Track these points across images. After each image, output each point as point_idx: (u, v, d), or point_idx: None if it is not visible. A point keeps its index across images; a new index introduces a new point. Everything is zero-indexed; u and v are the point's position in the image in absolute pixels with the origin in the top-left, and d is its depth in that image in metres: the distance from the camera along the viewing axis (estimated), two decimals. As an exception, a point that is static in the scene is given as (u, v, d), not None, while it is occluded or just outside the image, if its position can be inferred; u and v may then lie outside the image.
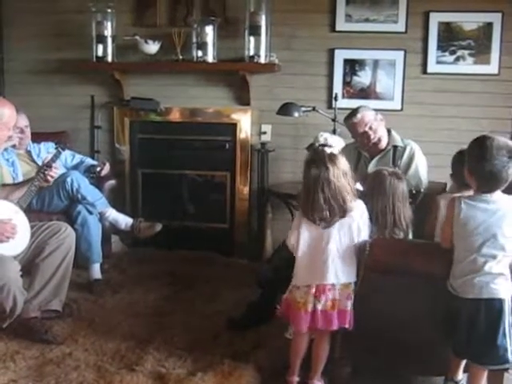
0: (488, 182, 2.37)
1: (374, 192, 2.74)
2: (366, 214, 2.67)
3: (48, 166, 3.44)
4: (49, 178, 3.44)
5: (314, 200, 2.60)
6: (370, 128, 3.55)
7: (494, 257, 2.36)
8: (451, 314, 2.46)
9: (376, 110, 3.72)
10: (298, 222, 2.71)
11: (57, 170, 3.52)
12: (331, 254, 2.60)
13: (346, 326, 2.60)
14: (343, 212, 2.60)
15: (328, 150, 2.68)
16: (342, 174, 2.61)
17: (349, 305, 2.60)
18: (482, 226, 2.37)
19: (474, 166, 2.39)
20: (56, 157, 3.55)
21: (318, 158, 2.64)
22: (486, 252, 2.37)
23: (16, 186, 3.54)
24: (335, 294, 2.60)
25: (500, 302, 2.38)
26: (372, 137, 3.55)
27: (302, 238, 2.67)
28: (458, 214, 2.41)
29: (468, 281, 2.39)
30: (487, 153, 2.32)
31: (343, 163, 2.65)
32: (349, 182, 2.63)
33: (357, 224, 2.63)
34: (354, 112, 3.64)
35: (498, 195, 2.40)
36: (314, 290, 2.62)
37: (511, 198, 2.42)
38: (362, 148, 3.69)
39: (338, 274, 2.60)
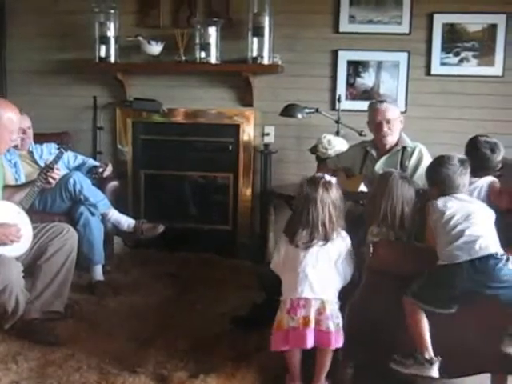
0: (447, 185, 2.62)
1: (384, 193, 2.72)
2: (348, 247, 2.69)
3: (50, 167, 3.44)
4: (50, 179, 3.43)
5: (301, 218, 2.64)
6: (388, 122, 3.52)
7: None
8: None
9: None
10: (279, 247, 2.77)
11: (59, 172, 3.51)
12: (306, 269, 2.60)
13: (332, 348, 2.58)
14: (323, 239, 2.63)
15: (327, 178, 2.70)
16: (330, 202, 2.65)
17: (330, 326, 2.55)
18: (457, 215, 2.52)
19: (434, 176, 2.71)
20: (58, 158, 3.55)
21: (313, 180, 2.70)
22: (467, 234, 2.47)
23: (18, 187, 3.54)
24: (309, 310, 2.56)
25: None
26: (384, 130, 3.51)
27: (281, 257, 2.72)
28: (432, 215, 2.58)
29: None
30: (442, 161, 2.67)
31: (336, 194, 2.68)
32: (336, 213, 2.66)
33: (338, 251, 2.65)
34: (382, 100, 3.68)
35: (464, 196, 2.63)
36: (288, 306, 2.61)
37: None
38: (368, 145, 3.68)
39: (314, 288, 2.58)
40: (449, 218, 2.52)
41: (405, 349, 2.56)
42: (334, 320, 2.58)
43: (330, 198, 2.65)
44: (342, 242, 2.67)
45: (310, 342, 2.55)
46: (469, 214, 2.52)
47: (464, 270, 2.41)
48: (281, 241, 2.76)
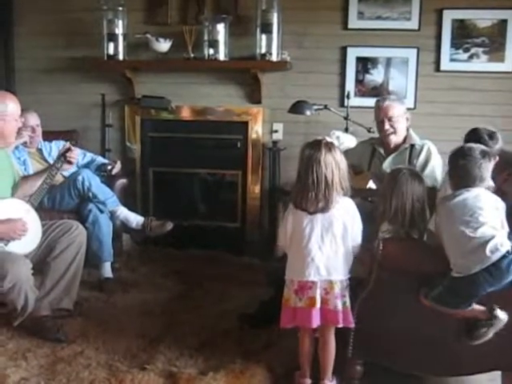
0: (463, 177, 2.54)
1: (394, 190, 2.70)
2: (354, 212, 2.64)
3: (68, 149, 3.47)
4: (72, 160, 3.48)
5: (305, 182, 2.58)
6: (390, 120, 3.51)
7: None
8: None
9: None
10: (285, 217, 2.71)
11: (77, 152, 3.57)
12: (312, 251, 2.58)
13: (340, 325, 2.59)
14: (326, 203, 2.57)
15: (329, 139, 2.66)
16: (334, 163, 2.58)
17: (338, 304, 2.57)
18: (463, 211, 2.47)
19: (451, 167, 2.62)
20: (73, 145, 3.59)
21: (315, 143, 2.64)
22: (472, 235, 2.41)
23: (37, 174, 3.56)
24: (315, 292, 2.57)
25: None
26: (386, 127, 3.51)
27: (288, 231, 2.67)
28: (439, 214, 2.57)
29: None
30: (461, 152, 2.57)
31: (339, 155, 2.62)
32: (340, 175, 2.59)
33: (342, 223, 2.60)
34: (386, 97, 3.68)
35: (476, 191, 2.52)
36: (295, 287, 2.62)
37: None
38: (376, 142, 3.67)
39: (321, 271, 2.58)
40: (454, 222, 2.47)
41: (416, 346, 2.57)
42: (342, 299, 2.59)
43: (334, 158, 2.58)
44: (345, 213, 2.61)
45: (315, 322, 2.58)
46: (474, 211, 2.45)
47: (481, 278, 2.38)
48: (287, 211, 2.71)
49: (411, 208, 2.66)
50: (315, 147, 2.60)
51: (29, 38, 4.90)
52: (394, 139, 3.54)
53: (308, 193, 2.57)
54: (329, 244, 2.59)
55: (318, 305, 2.57)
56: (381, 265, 2.58)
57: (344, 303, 2.59)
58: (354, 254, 2.64)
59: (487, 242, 2.36)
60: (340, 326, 2.59)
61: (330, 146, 2.60)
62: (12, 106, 3.12)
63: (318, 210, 2.58)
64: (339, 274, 2.60)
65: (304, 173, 2.59)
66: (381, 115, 3.54)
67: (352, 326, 2.59)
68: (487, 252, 2.35)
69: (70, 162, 3.51)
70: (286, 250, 2.73)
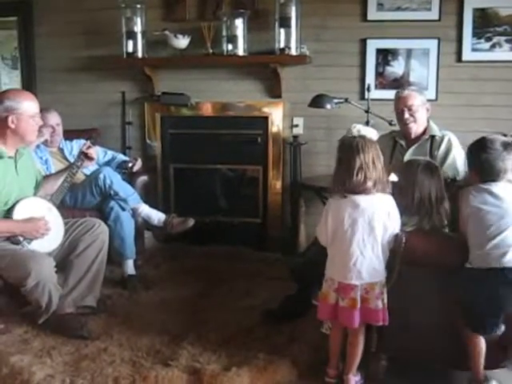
0: (486, 171, 2.53)
1: (414, 182, 2.68)
2: (394, 211, 2.61)
3: (88, 147, 3.52)
4: (93, 156, 3.54)
5: (349, 167, 2.56)
6: (410, 109, 3.49)
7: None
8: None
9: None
10: (325, 212, 2.69)
11: (97, 149, 3.68)
12: (354, 256, 2.56)
13: (379, 324, 2.58)
14: (372, 183, 2.56)
15: (368, 131, 2.68)
16: (375, 153, 2.60)
17: (379, 304, 2.57)
18: (491, 215, 2.46)
19: (473, 160, 2.61)
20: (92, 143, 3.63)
21: (353, 136, 2.68)
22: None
23: (58, 173, 3.59)
24: (357, 293, 2.57)
25: None
26: (406, 116, 3.49)
27: (329, 228, 2.65)
28: (466, 206, 2.54)
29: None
30: (484, 145, 2.55)
31: (377, 149, 2.63)
32: (379, 167, 2.59)
33: (382, 225, 2.57)
34: (405, 87, 3.66)
35: (502, 186, 2.52)
36: (336, 286, 2.61)
37: None
38: (396, 134, 3.65)
39: (362, 275, 2.56)
40: (482, 216, 2.46)
41: (440, 341, 2.55)
42: (381, 297, 2.58)
43: (374, 149, 2.60)
44: (385, 215, 2.58)
45: (357, 322, 2.58)
46: (502, 215, 2.46)
47: (494, 276, 2.40)
48: (326, 206, 2.70)
49: (435, 199, 2.66)
50: (355, 138, 2.64)
51: (49, 37, 4.93)
52: (414, 128, 3.51)
53: (352, 176, 2.55)
54: (370, 248, 2.57)
55: (359, 305, 2.57)
56: (404, 259, 2.56)
57: (382, 300, 2.58)
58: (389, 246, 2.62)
59: (510, 247, 2.40)
60: (380, 324, 2.58)
61: (369, 139, 2.65)
62: (27, 103, 3.11)
63: (366, 189, 2.56)
64: (379, 275, 2.59)
65: (346, 159, 2.59)
66: (400, 105, 3.52)
67: (387, 323, 2.58)
68: (508, 256, 2.40)
69: (90, 159, 3.54)
70: (327, 247, 2.70)
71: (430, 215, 2.67)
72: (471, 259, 2.48)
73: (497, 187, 2.52)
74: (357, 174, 2.55)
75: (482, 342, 2.52)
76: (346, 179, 2.58)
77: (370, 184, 2.56)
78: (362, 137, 2.64)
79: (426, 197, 2.66)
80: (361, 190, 2.57)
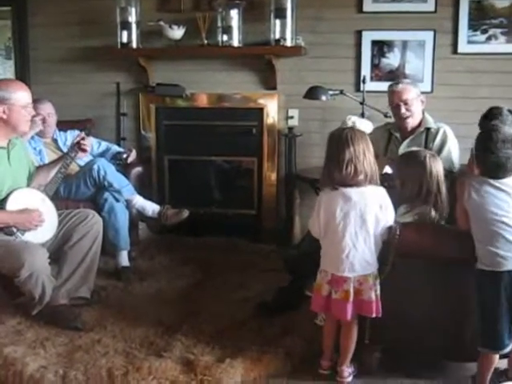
0: (493, 172, 2.44)
1: (425, 171, 2.71)
2: (387, 203, 2.61)
3: (82, 138, 3.51)
4: (85, 147, 3.52)
5: (338, 160, 2.56)
6: (406, 103, 3.51)
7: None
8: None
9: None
10: (317, 205, 2.68)
11: (91, 140, 3.63)
12: (346, 249, 2.56)
13: (372, 315, 2.58)
14: (363, 176, 2.56)
15: (362, 123, 2.68)
16: (365, 145, 2.59)
17: (372, 296, 2.57)
18: (493, 208, 2.41)
19: (481, 156, 2.48)
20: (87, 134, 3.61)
21: (343, 128, 2.70)
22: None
23: (51, 164, 3.57)
24: (349, 285, 2.57)
25: None
26: (403, 111, 3.50)
27: (321, 220, 2.65)
28: (468, 197, 2.47)
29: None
30: (493, 145, 2.42)
31: (367, 140, 2.62)
32: (370, 159, 2.59)
33: (374, 216, 2.57)
34: (399, 81, 3.66)
35: (508, 181, 2.46)
36: (329, 278, 2.61)
37: None
38: (391, 127, 3.65)
39: (355, 267, 2.57)
40: (485, 210, 2.43)
41: (434, 333, 2.57)
42: (374, 288, 2.58)
43: (364, 141, 2.60)
44: (377, 207, 2.57)
45: (350, 314, 2.59)
46: (508, 210, 2.42)
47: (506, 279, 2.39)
48: (319, 198, 2.70)
49: (437, 189, 2.71)
50: (344, 130, 2.64)
51: (43, 28, 4.89)
52: (411, 122, 3.53)
53: (342, 169, 2.55)
54: (362, 241, 2.57)
55: (352, 298, 2.57)
56: (397, 250, 2.56)
57: (375, 292, 2.58)
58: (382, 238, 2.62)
59: None
60: (373, 316, 2.58)
61: (357, 130, 2.66)
62: (19, 93, 3.08)
63: (357, 182, 2.56)
64: (372, 267, 2.60)
65: (337, 152, 2.58)
66: (395, 99, 3.52)
67: (380, 315, 2.58)
68: None
69: (83, 150, 3.53)
70: (320, 239, 2.70)
71: (437, 204, 2.70)
72: (480, 255, 2.44)
73: (500, 183, 2.46)
74: (346, 167, 2.54)
75: (496, 359, 2.51)
76: (335, 172, 2.57)
77: (361, 177, 2.56)
78: (352, 128, 2.66)
79: (434, 186, 2.70)
80: (352, 183, 2.57)
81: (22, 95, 3.09)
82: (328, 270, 2.63)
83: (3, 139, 3.13)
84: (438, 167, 2.76)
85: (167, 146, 4.91)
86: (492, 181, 2.45)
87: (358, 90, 4.46)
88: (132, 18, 4.59)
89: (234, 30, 4.46)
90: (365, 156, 2.57)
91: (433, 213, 2.70)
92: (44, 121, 4.11)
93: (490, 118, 3.03)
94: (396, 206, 2.66)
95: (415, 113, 3.52)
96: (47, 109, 4.14)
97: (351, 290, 2.57)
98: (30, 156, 3.63)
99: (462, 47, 4.36)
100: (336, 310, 2.61)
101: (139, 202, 4.04)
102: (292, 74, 4.61)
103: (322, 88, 4.25)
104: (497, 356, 2.50)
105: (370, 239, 2.58)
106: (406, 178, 2.76)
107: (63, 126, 4.30)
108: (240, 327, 3.13)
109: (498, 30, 4.29)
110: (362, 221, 2.56)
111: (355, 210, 2.56)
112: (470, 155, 2.60)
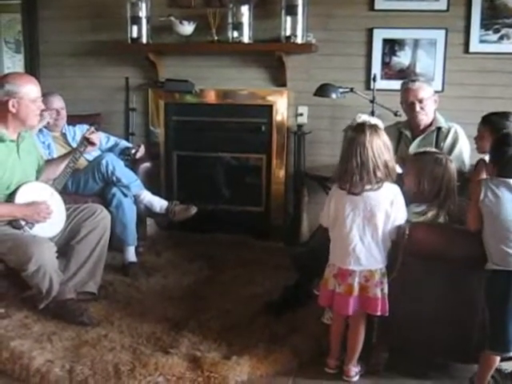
0: (508, 168, 2.43)
1: (445, 172, 2.71)
2: (398, 200, 2.58)
3: (91, 132, 3.52)
4: (94, 141, 3.53)
5: (349, 165, 2.53)
6: (420, 101, 3.50)
7: None
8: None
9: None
10: (328, 197, 2.69)
11: (99, 135, 3.64)
12: (353, 241, 2.56)
13: (378, 313, 2.57)
14: (371, 184, 2.52)
15: (373, 121, 2.62)
16: (382, 144, 2.54)
17: (378, 293, 2.55)
18: (509, 208, 2.40)
19: (498, 156, 2.48)
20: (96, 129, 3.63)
21: (358, 125, 2.61)
22: None
23: (60, 158, 3.58)
24: (354, 280, 2.56)
25: None
26: (417, 110, 3.49)
27: (331, 213, 2.65)
28: (484, 197, 2.44)
29: None
30: (509, 140, 2.45)
31: (385, 136, 2.58)
32: (387, 156, 2.54)
33: (384, 212, 2.55)
34: (414, 79, 3.64)
35: None
36: (336, 271, 2.61)
37: None
38: (402, 125, 3.64)
39: (361, 261, 2.56)
40: (501, 210, 2.41)
41: (441, 334, 2.55)
42: (381, 286, 2.57)
43: (379, 139, 2.55)
44: (388, 203, 2.55)
45: (351, 309, 2.58)
46: None
47: None
48: (330, 192, 2.69)
49: (450, 190, 2.72)
50: (359, 130, 2.57)
51: (53, 21, 4.89)
52: (424, 121, 3.52)
53: (352, 176, 2.53)
54: (370, 235, 2.56)
55: (356, 293, 2.57)
56: (406, 250, 2.54)
57: (382, 290, 2.57)
58: (391, 237, 2.60)
59: None
60: (378, 314, 2.57)
61: (375, 128, 2.57)
62: (28, 87, 3.08)
63: (364, 190, 2.54)
64: (379, 263, 2.59)
65: (347, 156, 2.55)
66: (411, 97, 3.50)
67: (387, 314, 2.56)
68: None
69: (92, 144, 3.53)
70: (329, 230, 2.70)
71: (450, 207, 2.70)
72: (492, 255, 2.42)
73: None
74: (356, 178, 2.52)
75: (498, 360, 2.50)
76: (346, 180, 2.56)
77: (372, 183, 2.53)
78: (368, 126, 2.57)
79: (453, 187, 2.70)
80: (357, 191, 2.54)
81: (31, 89, 3.09)
82: (335, 263, 2.62)
83: (13, 132, 3.13)
84: (454, 170, 2.76)
85: (176, 141, 4.90)
86: (509, 181, 2.43)
87: (368, 88, 4.44)
88: (142, 13, 4.57)
89: (245, 26, 4.44)
90: (379, 157, 2.52)
91: (446, 213, 2.69)
92: (58, 113, 4.12)
93: (507, 117, 3.02)
94: (407, 204, 2.64)
95: (429, 112, 3.51)
96: (60, 102, 4.15)
97: (355, 285, 2.56)
98: (39, 150, 3.63)
99: (474, 46, 4.32)
100: (338, 304, 2.61)
101: (147, 197, 4.03)
102: (302, 71, 4.59)
103: (332, 86, 4.23)
104: (499, 357, 2.50)
105: (378, 235, 2.56)
106: (424, 178, 2.72)
107: (72, 120, 4.30)
108: (247, 324, 3.13)
109: (511, 30, 4.26)
110: (371, 215, 2.55)
111: (364, 203, 2.55)
112: (476, 163, 2.60)
